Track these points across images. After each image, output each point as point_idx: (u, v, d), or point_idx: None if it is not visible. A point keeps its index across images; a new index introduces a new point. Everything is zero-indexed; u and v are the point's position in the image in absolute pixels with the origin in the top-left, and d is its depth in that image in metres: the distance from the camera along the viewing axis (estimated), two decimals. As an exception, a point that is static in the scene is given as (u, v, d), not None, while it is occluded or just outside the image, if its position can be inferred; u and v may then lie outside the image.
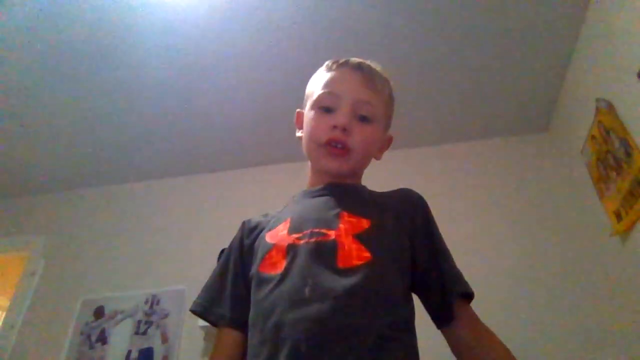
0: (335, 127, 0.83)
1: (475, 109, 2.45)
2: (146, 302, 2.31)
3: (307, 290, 0.67)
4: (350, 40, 2.05)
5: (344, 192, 0.85)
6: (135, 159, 2.70)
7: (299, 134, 0.95)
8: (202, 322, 2.09)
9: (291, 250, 0.74)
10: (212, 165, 2.76)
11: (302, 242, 0.74)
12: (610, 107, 1.83)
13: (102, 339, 2.24)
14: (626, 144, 1.72)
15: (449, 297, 0.76)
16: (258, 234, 0.85)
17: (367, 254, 0.71)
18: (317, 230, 0.75)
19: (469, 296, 0.78)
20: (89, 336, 2.26)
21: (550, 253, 2.16)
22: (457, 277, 0.79)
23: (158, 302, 2.31)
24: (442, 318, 0.77)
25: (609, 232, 1.93)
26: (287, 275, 0.71)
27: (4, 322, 2.42)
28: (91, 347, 2.22)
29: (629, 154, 1.71)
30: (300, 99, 2.49)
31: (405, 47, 2.09)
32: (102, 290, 2.42)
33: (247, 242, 0.86)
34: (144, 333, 2.22)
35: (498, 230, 2.28)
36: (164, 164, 2.75)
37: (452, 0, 1.90)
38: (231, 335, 0.79)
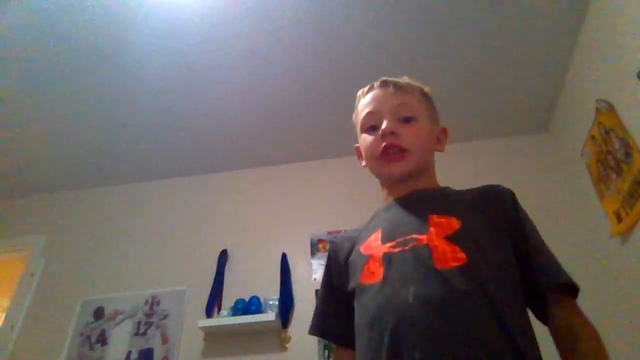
0: (383, 135, 0.86)
1: (475, 109, 2.45)
2: (146, 303, 2.31)
3: (410, 297, 0.68)
4: (351, 40, 2.05)
5: (428, 196, 0.86)
6: (135, 159, 2.70)
7: (363, 163, 0.97)
8: (201, 323, 2.09)
9: (387, 258, 0.75)
10: (212, 166, 2.76)
11: (397, 250, 0.75)
12: (610, 107, 1.82)
13: (102, 339, 2.23)
14: (626, 144, 1.72)
15: (538, 290, 0.74)
16: (351, 249, 0.87)
17: (462, 255, 0.70)
18: (409, 236, 0.76)
19: (568, 286, 0.75)
20: (88, 337, 2.25)
21: (550, 253, 2.15)
22: (548, 268, 0.76)
23: (158, 303, 2.31)
24: (538, 315, 0.76)
25: (609, 233, 1.93)
26: (386, 282, 0.72)
27: (4, 322, 2.42)
28: (91, 348, 2.22)
29: (628, 155, 1.71)
30: (300, 99, 2.47)
31: (405, 47, 2.09)
32: (102, 290, 2.42)
33: (341, 260, 0.88)
34: (144, 334, 2.22)
35: (498, 231, 2.28)
36: (164, 164, 2.75)
37: (453, 1, 1.90)
38: (346, 352, 0.83)
